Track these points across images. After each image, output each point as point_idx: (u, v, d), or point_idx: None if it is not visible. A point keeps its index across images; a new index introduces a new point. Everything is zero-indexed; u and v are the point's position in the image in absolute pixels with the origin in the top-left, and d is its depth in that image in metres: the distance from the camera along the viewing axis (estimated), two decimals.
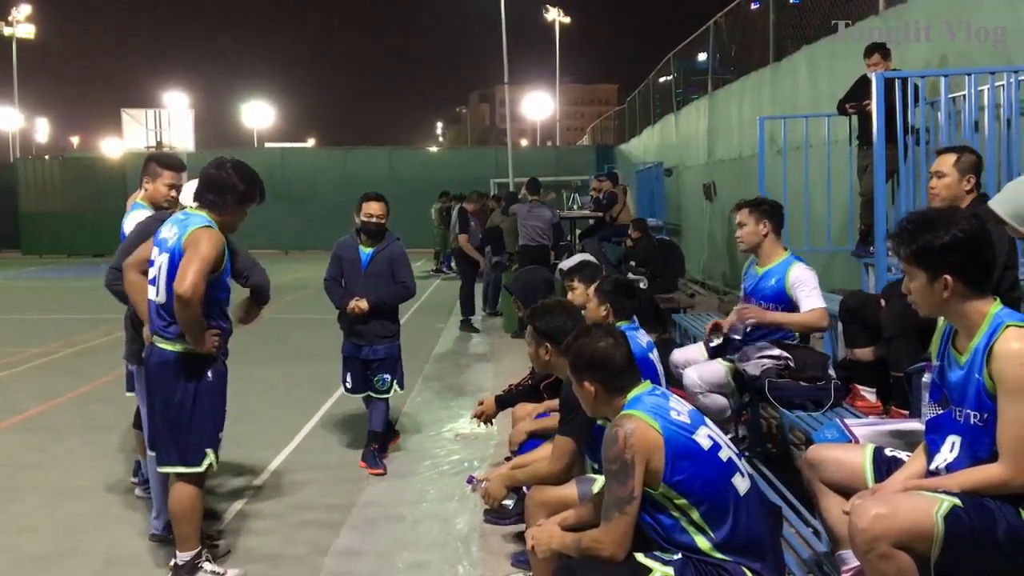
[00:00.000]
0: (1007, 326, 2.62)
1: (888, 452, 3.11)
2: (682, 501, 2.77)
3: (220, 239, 3.92)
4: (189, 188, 4.50)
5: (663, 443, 2.76)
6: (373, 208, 5.77)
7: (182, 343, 3.96)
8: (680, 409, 2.91)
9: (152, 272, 4.06)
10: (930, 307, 2.78)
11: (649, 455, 2.75)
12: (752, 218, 4.93)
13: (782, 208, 5.10)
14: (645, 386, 2.97)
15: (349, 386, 6.09)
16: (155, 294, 4.03)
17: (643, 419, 2.79)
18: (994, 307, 2.70)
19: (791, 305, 4.80)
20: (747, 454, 4.73)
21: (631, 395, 2.93)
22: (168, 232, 4.01)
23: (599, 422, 3.32)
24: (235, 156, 4.35)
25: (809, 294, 4.76)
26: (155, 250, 4.06)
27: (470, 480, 3.99)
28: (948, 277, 2.66)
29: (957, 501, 2.61)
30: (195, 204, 4.07)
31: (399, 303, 6.04)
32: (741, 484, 2.85)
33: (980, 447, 2.69)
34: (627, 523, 2.78)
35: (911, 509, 2.63)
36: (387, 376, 5.93)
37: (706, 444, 2.83)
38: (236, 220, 4.10)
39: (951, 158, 4.35)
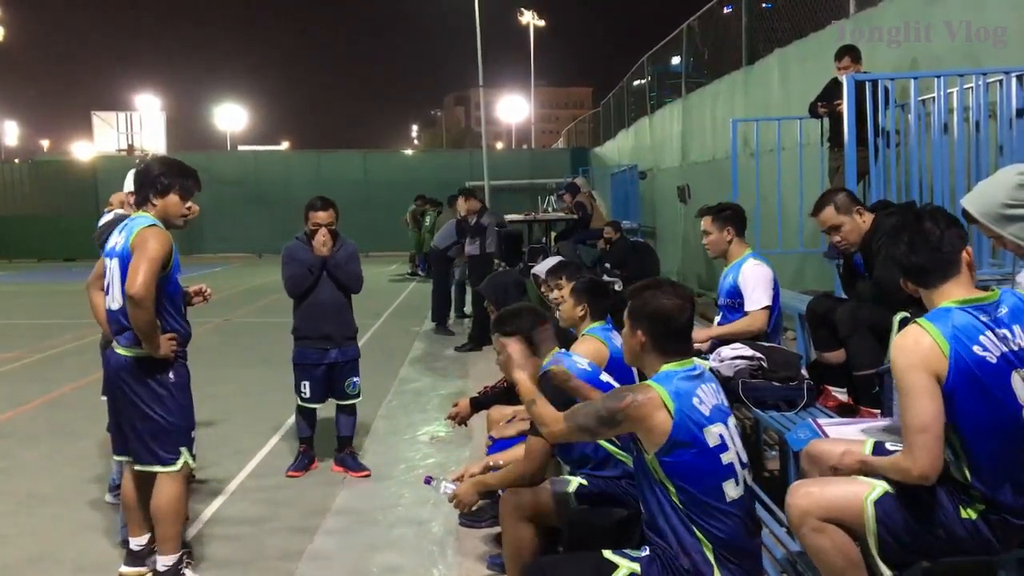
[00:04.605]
0: (911, 323, 2.70)
1: (890, 447, 3.07)
2: (665, 479, 2.75)
3: (167, 237, 3.93)
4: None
5: (671, 427, 2.71)
6: (320, 218, 5.57)
7: (138, 348, 3.93)
8: (706, 400, 2.82)
9: (105, 280, 4.07)
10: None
11: (642, 429, 2.74)
12: (715, 226, 5.08)
13: (743, 211, 5.19)
14: (686, 363, 2.87)
15: (307, 395, 5.78)
16: (111, 301, 4.02)
17: (661, 396, 2.73)
18: (945, 304, 2.70)
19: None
20: None
21: (668, 367, 2.85)
22: (116, 239, 4.02)
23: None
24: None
25: (751, 295, 4.89)
26: (105, 260, 4.09)
27: (427, 481, 3.92)
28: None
29: (889, 488, 2.68)
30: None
31: (352, 284, 5.79)
32: (732, 491, 2.79)
33: None
34: (573, 426, 2.90)
35: (842, 490, 2.74)
36: (356, 379, 5.86)
37: (713, 441, 2.76)
38: (177, 211, 4.07)
39: (828, 211, 4.27)
